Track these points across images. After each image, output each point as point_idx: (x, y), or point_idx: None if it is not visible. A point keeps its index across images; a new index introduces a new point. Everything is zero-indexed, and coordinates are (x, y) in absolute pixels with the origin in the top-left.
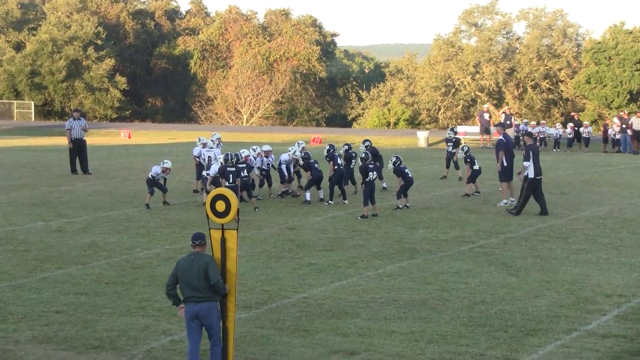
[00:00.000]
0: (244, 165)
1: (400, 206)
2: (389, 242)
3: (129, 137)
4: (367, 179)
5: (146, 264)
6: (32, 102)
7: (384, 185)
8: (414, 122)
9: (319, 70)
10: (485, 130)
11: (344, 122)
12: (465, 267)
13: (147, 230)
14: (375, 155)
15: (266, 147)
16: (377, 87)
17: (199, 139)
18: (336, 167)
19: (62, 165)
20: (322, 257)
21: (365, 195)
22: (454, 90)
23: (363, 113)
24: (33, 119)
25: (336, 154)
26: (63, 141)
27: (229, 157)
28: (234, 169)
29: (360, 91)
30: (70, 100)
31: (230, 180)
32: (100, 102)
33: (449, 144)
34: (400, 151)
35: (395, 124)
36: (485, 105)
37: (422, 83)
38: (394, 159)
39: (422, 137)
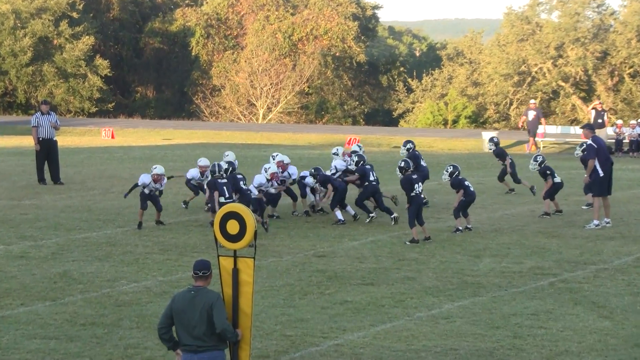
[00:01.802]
0: (241, 176)
1: (460, 228)
2: (446, 274)
3: (112, 137)
4: (412, 193)
5: (133, 301)
6: None
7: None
8: (478, 120)
9: (357, 52)
10: (531, 131)
11: (388, 119)
12: (545, 308)
13: (134, 257)
14: (415, 163)
15: (281, 158)
16: (431, 74)
17: (226, 154)
18: (367, 183)
19: (27, 172)
20: (359, 293)
21: (412, 214)
22: (530, 79)
23: (413, 108)
24: None
25: (367, 166)
26: (28, 141)
27: (217, 169)
28: (225, 180)
29: (409, 80)
30: (37, 90)
31: (226, 195)
32: (75, 92)
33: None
34: (460, 158)
35: (455, 122)
36: (532, 101)
37: (489, 70)
38: (450, 169)
39: (488, 140)
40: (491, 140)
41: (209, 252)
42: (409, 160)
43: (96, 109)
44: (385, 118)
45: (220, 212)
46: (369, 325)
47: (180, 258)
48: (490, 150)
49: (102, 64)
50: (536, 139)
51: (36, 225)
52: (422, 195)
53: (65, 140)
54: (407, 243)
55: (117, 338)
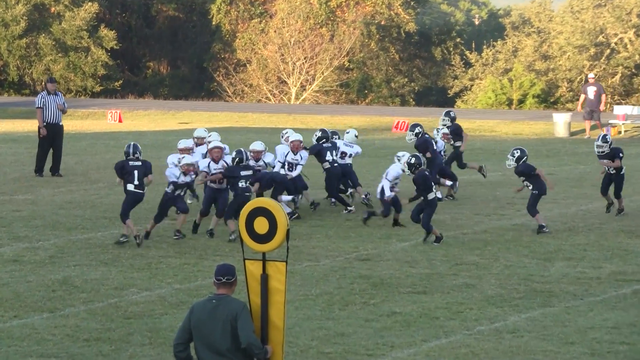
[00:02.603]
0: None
1: (543, 225)
2: (511, 281)
3: (120, 121)
4: (431, 195)
5: (145, 312)
6: None
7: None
8: (547, 100)
9: (405, 20)
10: (590, 113)
11: (443, 98)
12: (627, 320)
13: (146, 261)
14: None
15: (296, 137)
16: (493, 46)
17: (208, 135)
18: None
19: (20, 162)
20: (410, 303)
21: (427, 217)
22: (609, 51)
23: (471, 85)
24: None
25: (326, 144)
26: (21, 126)
27: (130, 150)
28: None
29: (467, 52)
30: (32, 66)
31: (135, 182)
32: (76, 69)
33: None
34: (527, 143)
35: (521, 102)
36: (591, 75)
37: (560, 41)
38: (517, 153)
39: (560, 122)
40: (447, 114)
41: (233, 255)
42: (419, 155)
43: (101, 87)
44: (439, 97)
45: (247, 208)
46: (421, 340)
47: (199, 262)
48: (444, 127)
49: (107, 35)
50: (615, 121)
51: (31, 224)
52: (439, 193)
53: (65, 124)
54: (435, 244)
55: (127, 356)
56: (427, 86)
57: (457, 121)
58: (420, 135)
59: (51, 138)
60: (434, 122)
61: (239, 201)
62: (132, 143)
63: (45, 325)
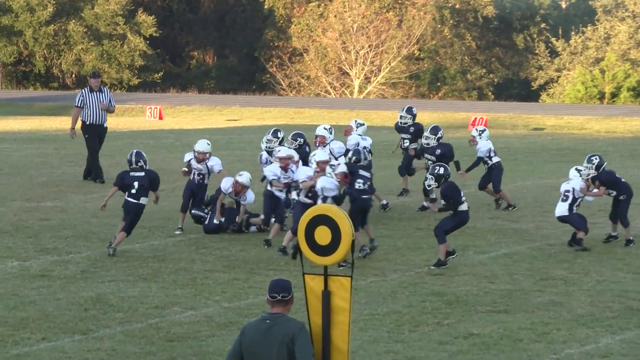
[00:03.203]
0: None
1: (613, 233)
2: (604, 298)
3: (160, 118)
4: (462, 207)
5: (190, 334)
6: None
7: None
8: None
9: (483, 4)
10: None
11: (526, 91)
12: None
13: (190, 277)
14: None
15: (321, 131)
16: (582, 32)
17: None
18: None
19: (48, 164)
20: (489, 324)
21: (448, 227)
22: None
23: (558, 77)
24: None
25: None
26: (53, 123)
27: (133, 159)
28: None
29: (553, 40)
30: (60, 56)
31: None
32: (111, 59)
33: (403, 135)
34: (621, 142)
35: (614, 95)
36: None
37: None
38: (596, 160)
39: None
40: (409, 111)
41: (288, 269)
42: (446, 166)
43: (139, 80)
44: (522, 90)
45: (307, 216)
46: None
47: (250, 277)
48: (405, 125)
49: (145, 21)
50: None
51: (61, 235)
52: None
53: None
54: (432, 268)
55: None
56: (507, 78)
57: (538, 118)
58: (440, 139)
59: (98, 139)
60: (516, 118)
61: (360, 206)
62: (134, 151)
63: (77, 348)
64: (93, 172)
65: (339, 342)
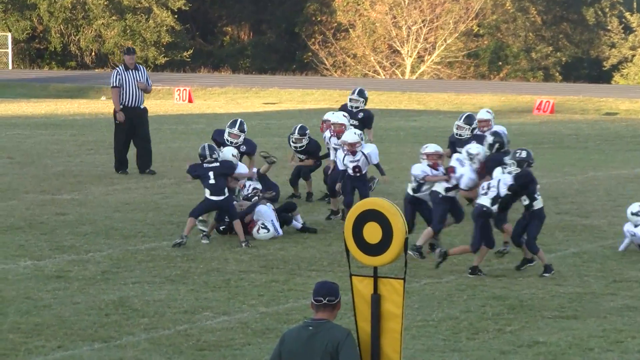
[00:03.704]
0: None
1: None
2: None
3: (190, 101)
4: (537, 204)
5: (222, 342)
6: (8, 35)
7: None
8: None
9: None
10: None
11: (597, 72)
12: None
13: (223, 278)
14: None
15: (333, 118)
16: None
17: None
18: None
19: (65, 152)
20: (556, 330)
21: (535, 233)
22: None
23: (633, 56)
24: (10, 66)
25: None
26: (71, 107)
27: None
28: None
29: (627, 14)
30: (78, 32)
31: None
32: (135, 35)
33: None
34: None
35: None
36: None
37: None
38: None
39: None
40: (361, 94)
41: (332, 270)
42: (528, 150)
43: (166, 59)
44: (593, 71)
45: (355, 211)
46: None
47: (290, 279)
48: (355, 109)
49: None
50: None
51: (79, 231)
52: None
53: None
54: (545, 275)
55: None
56: (576, 57)
57: (611, 102)
58: (474, 130)
59: (130, 125)
60: (585, 101)
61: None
62: (205, 145)
63: (97, 357)
64: (116, 160)
65: (390, 351)
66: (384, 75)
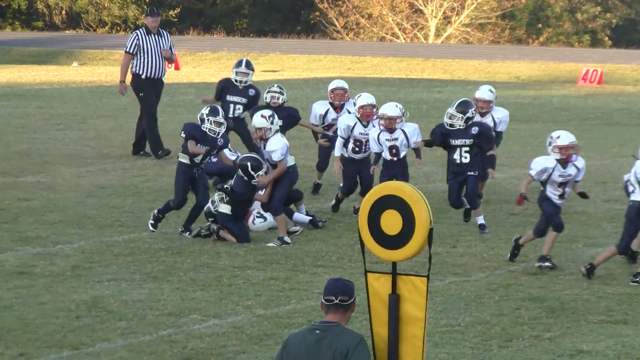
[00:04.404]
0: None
1: None
2: None
3: (176, 68)
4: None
5: (213, 349)
6: None
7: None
8: None
9: None
10: None
11: None
12: None
13: (214, 275)
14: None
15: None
16: None
17: None
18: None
19: (31, 128)
20: (603, 338)
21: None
22: None
23: None
24: None
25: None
26: (37, 75)
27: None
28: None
29: None
30: None
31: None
32: None
33: (235, 98)
34: None
35: None
36: None
37: None
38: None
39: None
40: (248, 65)
41: (342, 267)
42: None
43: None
44: None
45: (371, 197)
46: None
47: (292, 276)
48: (243, 84)
49: None
50: None
51: (46, 220)
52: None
53: (95, 72)
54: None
55: None
56: (629, 18)
57: None
58: (469, 120)
59: (153, 98)
60: (639, 71)
61: None
62: (212, 106)
63: None
64: (150, 142)
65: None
66: (404, 39)
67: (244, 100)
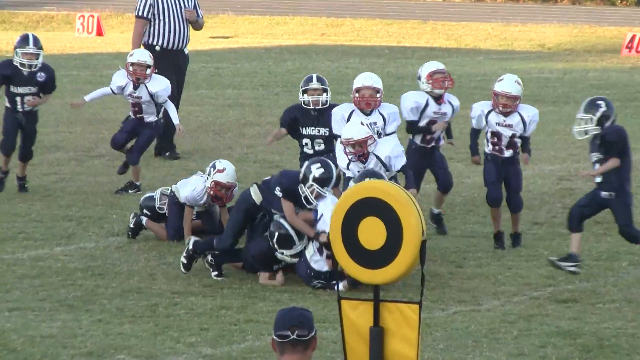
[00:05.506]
0: None
1: None
2: None
3: (98, 33)
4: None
5: None
6: None
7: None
8: None
9: None
10: None
11: None
12: None
13: (148, 302)
14: None
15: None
16: None
17: None
18: None
19: None
20: None
21: None
22: None
23: None
24: None
25: None
26: None
27: None
28: None
29: None
30: None
31: None
32: None
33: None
34: None
35: None
36: None
37: None
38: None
39: None
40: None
41: (314, 292)
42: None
43: None
44: None
45: (346, 201)
46: None
47: (249, 305)
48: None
49: None
50: None
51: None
52: None
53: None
54: None
55: None
56: None
57: None
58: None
59: (173, 76)
60: None
61: None
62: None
63: None
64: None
65: None
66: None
67: (33, 90)
